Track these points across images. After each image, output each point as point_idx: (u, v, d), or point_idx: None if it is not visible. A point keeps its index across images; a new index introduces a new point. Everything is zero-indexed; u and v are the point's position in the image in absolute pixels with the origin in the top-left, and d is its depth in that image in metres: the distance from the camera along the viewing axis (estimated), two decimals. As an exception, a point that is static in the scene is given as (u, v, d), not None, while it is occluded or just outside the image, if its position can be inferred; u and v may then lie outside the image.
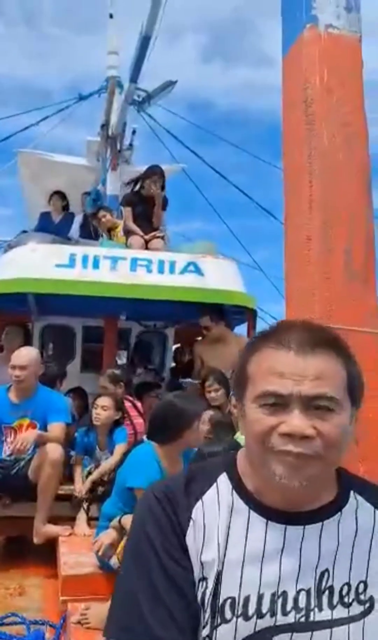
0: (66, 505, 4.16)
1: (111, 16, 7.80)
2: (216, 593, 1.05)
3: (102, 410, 4.29)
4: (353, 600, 1.07)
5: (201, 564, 1.07)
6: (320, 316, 1.38)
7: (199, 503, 1.12)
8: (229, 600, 1.05)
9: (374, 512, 1.14)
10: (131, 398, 4.97)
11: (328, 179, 1.52)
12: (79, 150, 8.96)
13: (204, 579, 1.06)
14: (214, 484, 1.15)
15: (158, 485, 1.22)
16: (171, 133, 8.42)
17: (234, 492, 1.13)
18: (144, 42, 5.24)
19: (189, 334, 6.97)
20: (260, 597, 1.05)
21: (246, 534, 1.09)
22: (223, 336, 5.57)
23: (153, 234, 6.05)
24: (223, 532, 1.08)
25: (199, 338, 6.06)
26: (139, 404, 4.98)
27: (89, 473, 4.29)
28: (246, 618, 1.04)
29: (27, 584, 3.69)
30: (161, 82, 6.21)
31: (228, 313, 5.72)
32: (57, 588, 3.30)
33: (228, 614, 1.04)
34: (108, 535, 3.01)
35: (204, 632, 1.05)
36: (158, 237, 6.08)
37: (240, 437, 3.57)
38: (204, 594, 1.06)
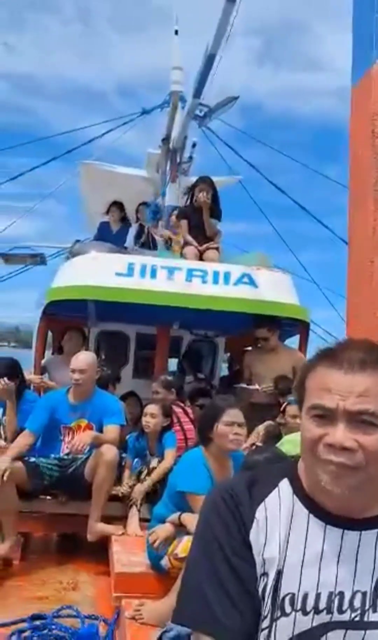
0: (117, 505, 4.30)
1: (176, 33, 8.02)
2: (276, 589, 1.15)
3: (150, 417, 4.44)
4: None
5: (263, 560, 1.17)
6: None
7: (262, 505, 1.22)
8: (289, 596, 1.14)
9: None
10: (182, 404, 5.08)
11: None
12: (137, 161, 9.22)
13: (265, 574, 1.16)
14: (276, 488, 1.24)
15: (223, 486, 1.33)
16: (231, 147, 8.55)
17: (294, 496, 1.22)
18: (209, 60, 5.39)
19: (239, 344, 7.05)
20: (318, 595, 1.14)
21: (306, 535, 1.18)
22: (274, 348, 5.62)
23: (206, 245, 6.17)
24: (283, 532, 1.18)
25: (249, 348, 6.11)
26: (189, 410, 5.09)
27: (140, 473, 4.43)
28: (305, 613, 1.13)
29: (80, 579, 3.84)
30: (219, 93, 6.35)
31: (280, 325, 5.78)
32: (109, 585, 3.44)
33: (287, 608, 1.14)
34: (165, 529, 3.11)
35: (265, 623, 1.15)
36: (212, 248, 6.20)
37: (285, 443, 3.63)
38: (265, 588, 1.16)
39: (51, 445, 4.32)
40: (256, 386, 5.38)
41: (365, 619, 1.13)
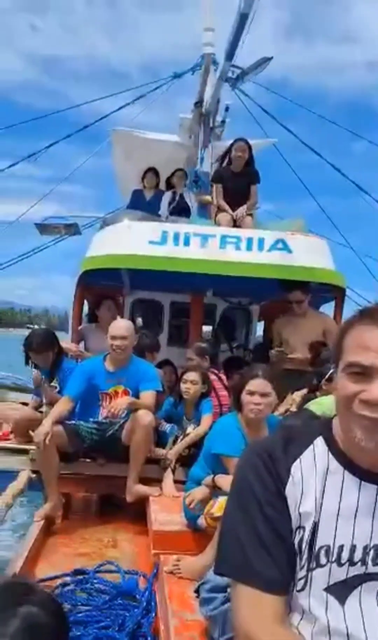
0: (154, 467, 4.42)
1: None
2: (312, 541, 1.19)
3: (191, 384, 4.50)
4: None
5: (299, 514, 1.21)
6: None
7: (297, 461, 1.25)
8: (324, 548, 1.18)
9: None
10: (216, 371, 5.13)
11: None
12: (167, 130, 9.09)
13: (301, 527, 1.20)
14: (311, 446, 1.27)
15: (259, 444, 1.37)
16: (265, 110, 8.35)
17: (329, 453, 1.25)
18: (242, 20, 5.24)
19: (274, 311, 7.05)
20: (353, 548, 1.17)
21: (341, 491, 1.21)
22: (305, 313, 5.58)
23: (242, 211, 6.07)
24: (319, 487, 1.21)
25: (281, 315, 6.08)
26: (224, 377, 5.14)
27: (176, 438, 4.53)
28: (340, 564, 1.17)
29: (120, 537, 3.98)
30: (251, 55, 6.18)
31: (315, 291, 5.71)
32: (147, 543, 3.56)
33: (322, 559, 1.18)
34: (201, 491, 3.22)
35: (301, 573, 1.19)
36: (248, 214, 6.12)
37: (310, 405, 3.65)
38: (301, 540, 1.20)
39: (90, 411, 4.44)
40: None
41: None
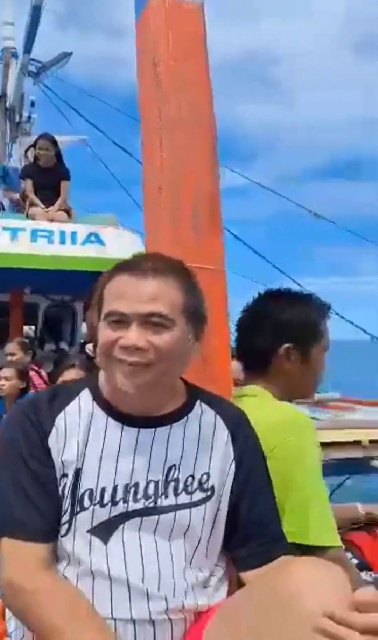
0: None
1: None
2: (76, 486, 1.23)
3: (5, 380, 4.34)
4: (196, 489, 1.28)
5: (62, 462, 1.24)
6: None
7: (62, 413, 1.28)
8: (88, 492, 1.22)
9: (215, 417, 1.36)
10: (35, 367, 5.03)
11: (175, 139, 1.66)
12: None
13: (65, 475, 1.23)
14: (77, 398, 1.32)
15: (26, 400, 1.39)
16: (69, 104, 8.29)
17: (94, 402, 1.30)
18: (36, 12, 5.19)
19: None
20: (115, 488, 1.23)
21: (104, 435, 1.27)
22: None
23: (56, 205, 6.04)
24: (82, 436, 1.26)
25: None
26: (44, 373, 5.06)
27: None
28: (102, 505, 1.22)
29: None
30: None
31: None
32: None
33: (86, 502, 1.22)
34: None
35: (65, 518, 1.22)
36: (62, 209, 6.09)
37: None
38: (65, 487, 1.23)
39: None
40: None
41: (158, 504, 1.24)
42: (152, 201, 1.73)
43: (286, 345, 1.63)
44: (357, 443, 3.52)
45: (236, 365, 1.81)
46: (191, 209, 1.68)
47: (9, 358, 4.88)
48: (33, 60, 6.04)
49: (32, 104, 7.71)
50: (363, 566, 1.88)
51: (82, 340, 7.58)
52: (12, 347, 5.06)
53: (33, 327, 7.44)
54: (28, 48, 5.84)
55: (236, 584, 1.33)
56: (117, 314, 1.21)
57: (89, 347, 5.39)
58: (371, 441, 3.55)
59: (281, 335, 1.64)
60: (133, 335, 1.19)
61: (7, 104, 7.44)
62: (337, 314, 6.19)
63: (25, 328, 7.07)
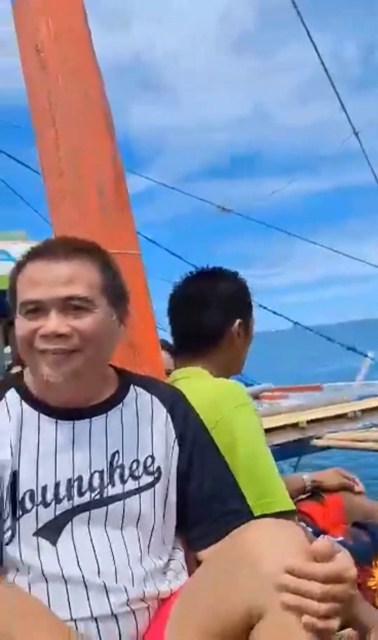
0: None
1: None
2: (14, 489, 1.14)
3: None
4: (142, 473, 1.23)
5: None
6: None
7: None
8: (28, 493, 1.15)
9: (151, 398, 1.32)
10: None
11: (68, 118, 1.62)
12: None
13: (0, 479, 1.15)
14: (3, 399, 1.24)
15: None
16: None
17: (22, 402, 1.23)
18: None
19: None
20: (57, 485, 1.16)
21: (38, 434, 1.20)
22: None
23: None
24: (15, 437, 1.18)
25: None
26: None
27: None
28: (46, 505, 1.15)
29: None
30: None
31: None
32: None
33: (28, 504, 1.14)
34: None
35: (7, 524, 1.14)
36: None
37: None
38: (2, 493, 1.14)
39: None
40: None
41: (105, 495, 1.18)
42: (55, 191, 1.67)
43: (238, 320, 1.63)
44: (294, 425, 3.62)
45: (164, 355, 1.77)
46: (96, 193, 1.63)
47: None
48: None
49: None
50: (318, 533, 1.88)
51: (8, 362, 7.31)
52: None
53: None
54: None
55: (195, 566, 1.28)
56: (32, 302, 1.14)
57: (17, 369, 5.20)
58: (308, 421, 3.66)
59: (230, 311, 1.64)
60: (53, 322, 1.13)
61: None
62: (260, 305, 6.30)
63: None
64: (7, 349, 7.65)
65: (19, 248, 5.45)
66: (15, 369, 5.15)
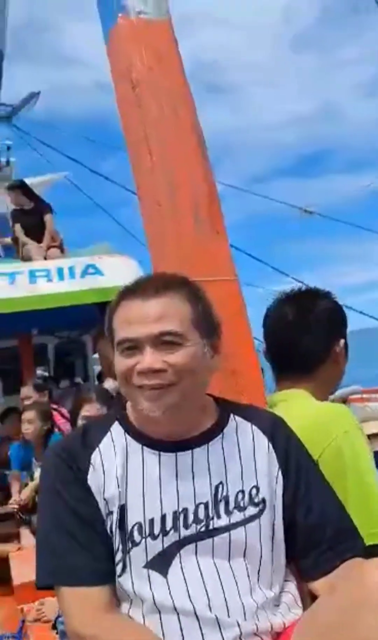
0: (7, 523, 4.13)
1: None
2: (123, 522, 1.17)
3: (28, 424, 4.30)
4: (248, 504, 1.22)
5: (105, 500, 1.19)
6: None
7: (96, 451, 1.24)
8: (136, 526, 1.17)
9: (251, 427, 1.31)
10: (55, 406, 4.99)
11: (164, 146, 1.65)
12: None
13: (110, 512, 1.19)
14: (109, 432, 1.27)
15: (57, 444, 1.35)
16: (45, 143, 8.38)
17: (126, 435, 1.26)
18: (-1, 57, 5.26)
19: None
20: (163, 517, 1.18)
21: (143, 467, 1.22)
22: None
23: (45, 239, 6.10)
24: (120, 470, 1.21)
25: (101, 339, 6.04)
26: (64, 410, 5.00)
27: (26, 485, 4.28)
28: (154, 537, 1.17)
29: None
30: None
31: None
32: (15, 602, 3.29)
33: (136, 537, 1.17)
34: None
35: (118, 556, 1.17)
36: (53, 246, 6.12)
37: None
38: (112, 525, 1.18)
39: None
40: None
41: (211, 527, 1.19)
42: (152, 215, 1.70)
43: (342, 340, 1.63)
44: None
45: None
46: (192, 217, 1.65)
47: (26, 402, 4.83)
48: (2, 104, 6.11)
49: (8, 148, 7.80)
50: None
51: (97, 372, 7.54)
52: (26, 390, 5.03)
53: (45, 368, 7.41)
54: (-5, 94, 5.90)
55: (309, 598, 1.26)
56: (128, 340, 1.18)
57: (109, 384, 5.34)
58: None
59: (333, 331, 1.63)
60: (148, 358, 1.16)
61: (-17, 153, 7.54)
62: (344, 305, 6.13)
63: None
64: (96, 355, 7.91)
65: (106, 262, 5.65)
66: (107, 381, 5.30)
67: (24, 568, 3.40)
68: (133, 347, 1.18)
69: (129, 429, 1.27)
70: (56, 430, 4.58)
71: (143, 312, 1.18)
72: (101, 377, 7.32)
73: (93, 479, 1.21)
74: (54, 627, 2.05)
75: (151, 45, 1.70)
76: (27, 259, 5.98)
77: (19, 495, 4.22)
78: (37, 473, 4.25)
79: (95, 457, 1.23)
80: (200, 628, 1.11)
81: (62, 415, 4.91)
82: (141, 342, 1.17)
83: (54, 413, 4.79)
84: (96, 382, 7.17)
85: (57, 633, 2.04)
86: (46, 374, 6.60)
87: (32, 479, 4.30)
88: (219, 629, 1.11)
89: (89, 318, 6.36)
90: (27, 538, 3.93)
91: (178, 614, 1.12)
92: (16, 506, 4.12)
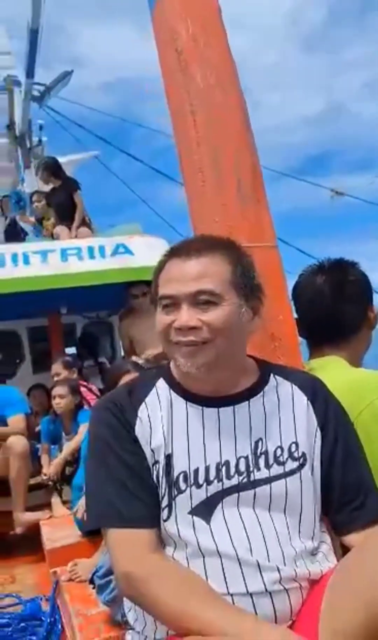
0: (38, 494, 4.25)
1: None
2: (169, 471, 1.23)
3: (60, 398, 4.40)
4: (287, 458, 1.27)
5: (152, 450, 1.25)
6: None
7: (143, 404, 1.30)
8: (181, 475, 1.23)
9: (291, 386, 1.36)
10: (84, 383, 5.07)
11: (209, 117, 1.67)
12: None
13: (156, 462, 1.25)
14: (154, 388, 1.33)
15: (105, 398, 1.41)
16: (78, 123, 8.44)
17: (171, 390, 1.32)
18: (33, 36, 5.29)
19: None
20: (207, 468, 1.24)
21: (187, 420, 1.28)
22: (149, 309, 5.59)
23: (77, 219, 6.14)
24: (166, 423, 1.27)
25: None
26: (94, 387, 5.10)
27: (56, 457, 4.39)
28: (198, 486, 1.23)
29: (18, 572, 3.78)
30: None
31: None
32: (46, 567, 3.41)
33: (182, 485, 1.23)
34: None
35: (164, 502, 1.23)
36: (83, 225, 6.17)
37: None
38: (159, 474, 1.24)
39: None
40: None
41: (251, 479, 1.24)
42: (194, 183, 1.73)
43: (375, 307, 1.67)
44: None
45: None
46: (235, 188, 1.68)
47: (55, 378, 4.93)
48: (36, 83, 6.15)
49: (41, 127, 7.86)
50: None
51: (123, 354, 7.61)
52: (56, 367, 5.11)
53: (74, 348, 7.49)
54: (30, 72, 5.95)
55: (340, 548, 1.32)
56: (167, 297, 1.24)
57: (135, 357, 5.40)
58: None
59: (366, 299, 1.67)
60: (184, 316, 1.21)
61: (17, 132, 7.62)
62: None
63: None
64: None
65: (136, 242, 5.69)
66: (135, 357, 5.36)
67: (55, 534, 3.52)
68: (172, 304, 1.23)
69: (174, 385, 1.33)
70: (85, 406, 4.68)
71: (183, 270, 1.23)
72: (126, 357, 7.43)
73: (140, 431, 1.27)
74: (91, 582, 2.12)
75: (197, 15, 1.72)
76: (56, 237, 6.04)
77: (49, 467, 4.32)
78: (65, 446, 4.37)
79: (142, 410, 1.29)
80: (242, 571, 1.16)
81: (92, 392, 5.00)
82: (178, 300, 1.22)
83: (84, 390, 4.88)
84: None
85: (93, 588, 2.12)
86: (75, 355, 6.66)
87: (61, 451, 4.41)
88: (260, 572, 1.16)
89: (117, 299, 6.43)
90: (58, 507, 4.05)
91: (220, 557, 1.17)
92: (46, 477, 4.22)
